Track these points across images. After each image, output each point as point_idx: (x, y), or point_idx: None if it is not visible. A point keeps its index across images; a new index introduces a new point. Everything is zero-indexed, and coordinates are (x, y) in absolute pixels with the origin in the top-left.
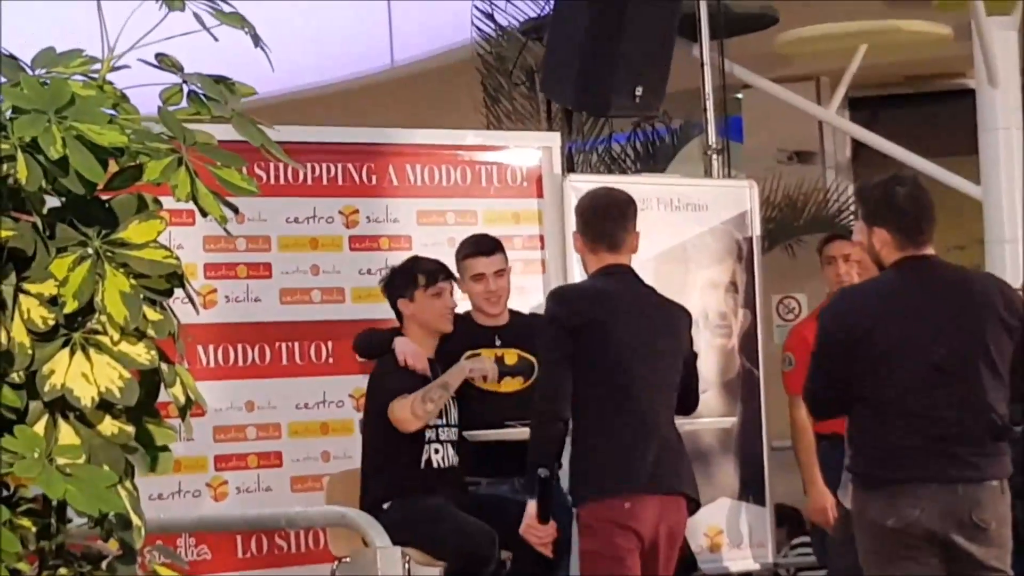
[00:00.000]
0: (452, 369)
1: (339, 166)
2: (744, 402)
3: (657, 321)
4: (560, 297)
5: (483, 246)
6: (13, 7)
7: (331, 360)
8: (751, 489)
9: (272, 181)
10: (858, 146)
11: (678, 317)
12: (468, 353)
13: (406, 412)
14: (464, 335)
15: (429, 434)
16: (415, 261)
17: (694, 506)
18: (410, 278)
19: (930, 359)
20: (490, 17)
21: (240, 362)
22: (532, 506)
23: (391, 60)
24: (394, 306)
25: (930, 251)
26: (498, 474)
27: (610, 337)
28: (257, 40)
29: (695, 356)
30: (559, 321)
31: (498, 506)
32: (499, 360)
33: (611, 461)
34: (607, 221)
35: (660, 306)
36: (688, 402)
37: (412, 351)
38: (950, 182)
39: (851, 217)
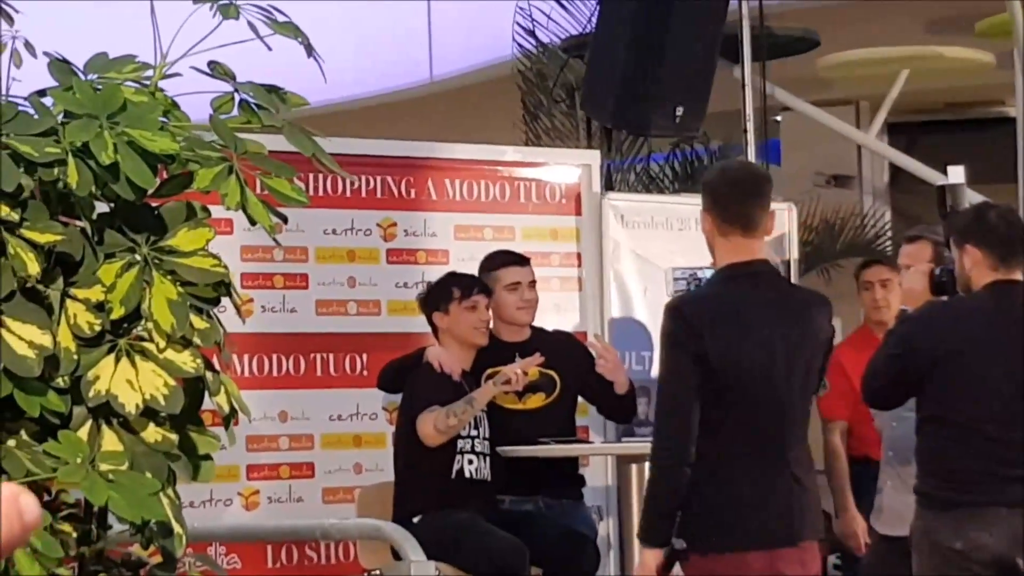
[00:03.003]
0: (479, 389)
1: (378, 179)
2: None
3: (792, 330)
4: (679, 314)
5: (517, 256)
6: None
7: (365, 372)
8: None
9: (311, 192)
10: (896, 171)
11: (816, 313)
12: (488, 372)
13: (429, 427)
14: (485, 351)
15: (462, 444)
16: (451, 276)
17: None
18: (446, 292)
19: (1015, 386)
20: (531, 33)
21: (275, 372)
22: (650, 560)
23: (431, 74)
24: (430, 320)
25: (1020, 276)
26: (523, 492)
27: (740, 362)
28: (311, 50)
29: (831, 348)
30: (680, 345)
31: (529, 521)
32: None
33: (743, 507)
34: (744, 198)
35: (795, 309)
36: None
37: (443, 355)
38: None
39: (888, 243)
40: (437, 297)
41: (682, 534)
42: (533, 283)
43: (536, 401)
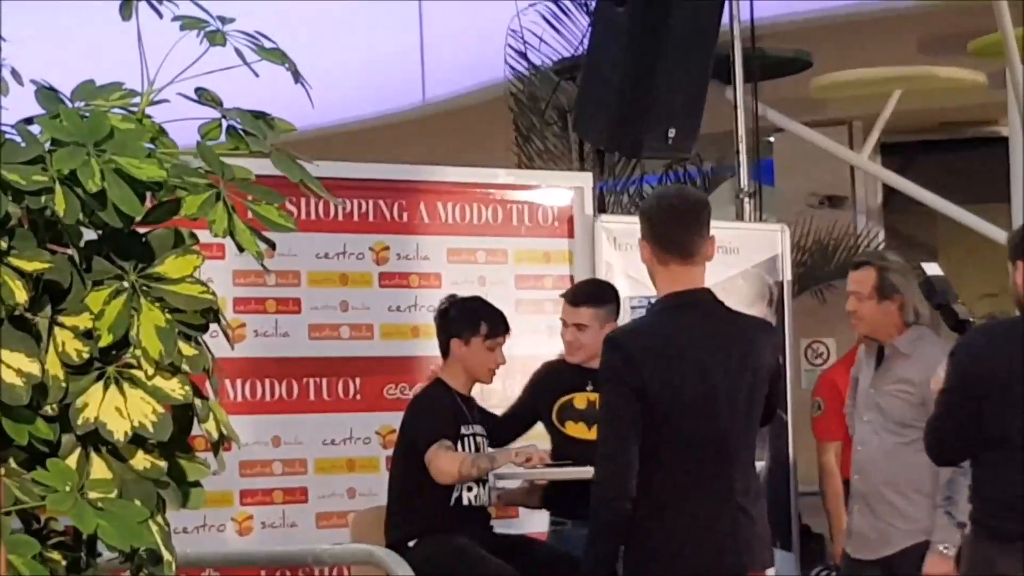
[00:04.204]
0: (504, 451)
1: (370, 202)
2: (772, 446)
3: (733, 359)
4: (617, 346)
5: (570, 295)
6: (52, 38)
7: (359, 396)
8: (778, 534)
9: (303, 216)
10: (889, 192)
11: (759, 341)
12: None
13: (454, 468)
14: (557, 376)
15: None
16: (482, 305)
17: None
18: (473, 322)
19: None
20: (524, 56)
21: (267, 397)
22: None
23: (423, 97)
24: (445, 340)
25: None
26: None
27: (679, 394)
28: (297, 76)
29: (778, 375)
30: (619, 379)
31: (523, 548)
32: (592, 404)
33: (686, 541)
34: (679, 226)
35: (736, 337)
36: (764, 417)
37: (534, 454)
38: (982, 229)
39: None
40: (462, 324)
41: (627, 569)
42: (581, 326)
43: None
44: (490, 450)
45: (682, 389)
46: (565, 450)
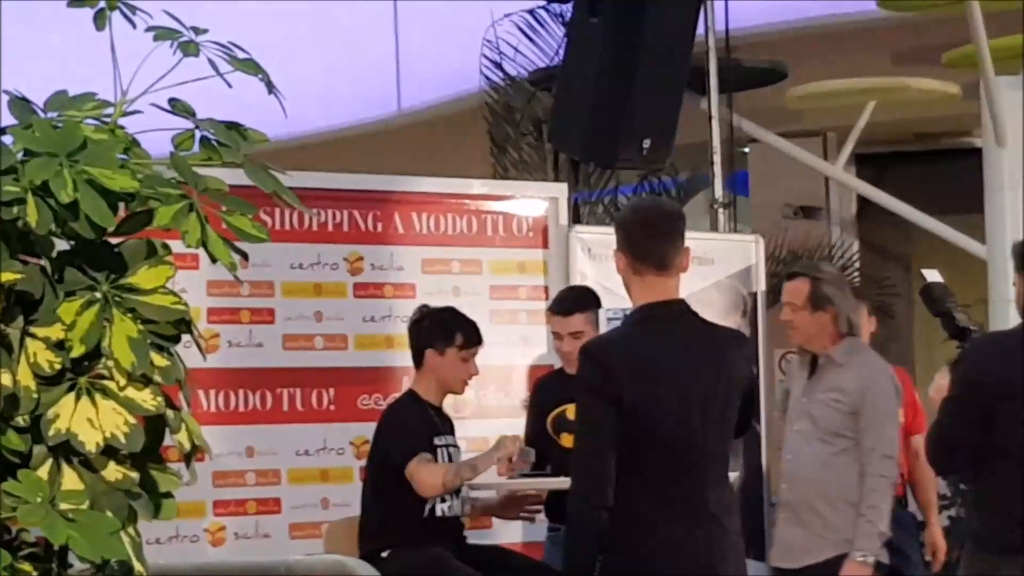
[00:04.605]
0: (483, 455)
1: (344, 213)
2: (745, 457)
3: (707, 370)
4: (593, 357)
5: (559, 306)
6: (25, 49)
7: (332, 407)
8: (751, 545)
9: (277, 227)
10: (864, 203)
11: (734, 352)
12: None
13: (437, 480)
14: (549, 388)
15: None
16: (456, 315)
17: None
18: (448, 332)
19: None
20: (499, 66)
21: (241, 407)
22: None
23: (398, 107)
24: (419, 350)
25: None
26: None
27: (655, 405)
28: (271, 87)
29: (753, 386)
30: (596, 390)
31: (497, 558)
32: None
33: (661, 552)
34: (654, 237)
35: (711, 349)
36: (738, 427)
37: (514, 449)
38: (955, 240)
39: (856, 274)
40: (437, 335)
41: None
42: (575, 333)
43: None
44: (468, 457)
45: (658, 400)
46: (561, 461)
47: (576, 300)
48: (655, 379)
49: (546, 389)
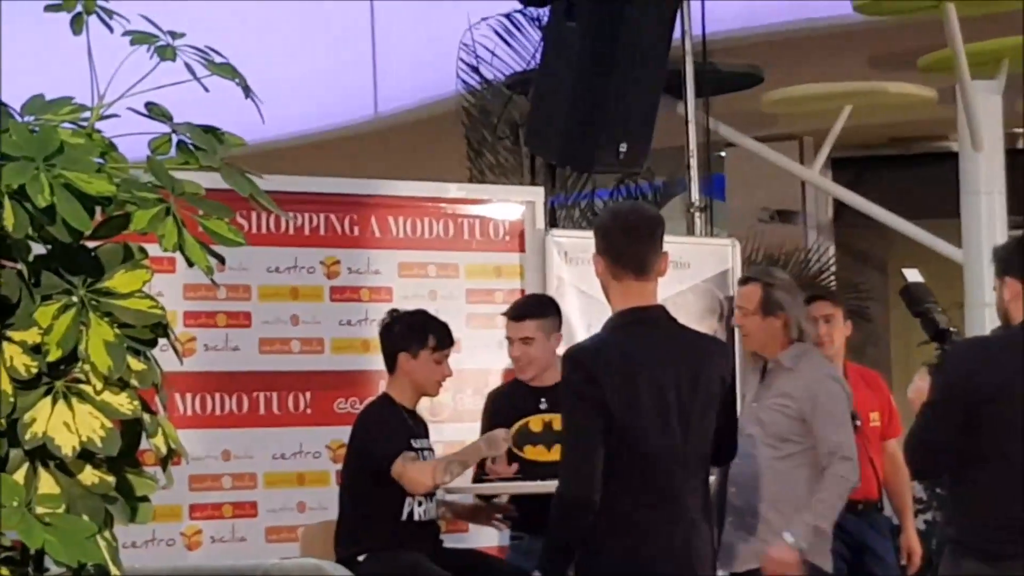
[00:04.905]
0: (470, 449)
1: (321, 216)
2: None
3: (687, 375)
4: (576, 362)
5: (512, 310)
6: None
7: (309, 411)
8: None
9: (254, 230)
10: (840, 207)
11: (713, 358)
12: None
13: (426, 477)
14: (508, 400)
15: None
16: (428, 318)
17: None
18: (421, 335)
19: None
20: (475, 70)
21: (217, 411)
22: None
23: (375, 111)
24: (392, 354)
25: None
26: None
27: (636, 409)
28: (248, 91)
29: (732, 396)
30: (580, 394)
31: (473, 562)
32: (548, 426)
33: (643, 555)
34: (634, 241)
35: (690, 354)
36: (725, 451)
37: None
38: (932, 245)
39: (832, 278)
40: (409, 338)
41: None
42: (527, 339)
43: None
44: (458, 451)
45: (639, 405)
46: (528, 474)
47: (528, 306)
48: (636, 385)
49: (502, 400)
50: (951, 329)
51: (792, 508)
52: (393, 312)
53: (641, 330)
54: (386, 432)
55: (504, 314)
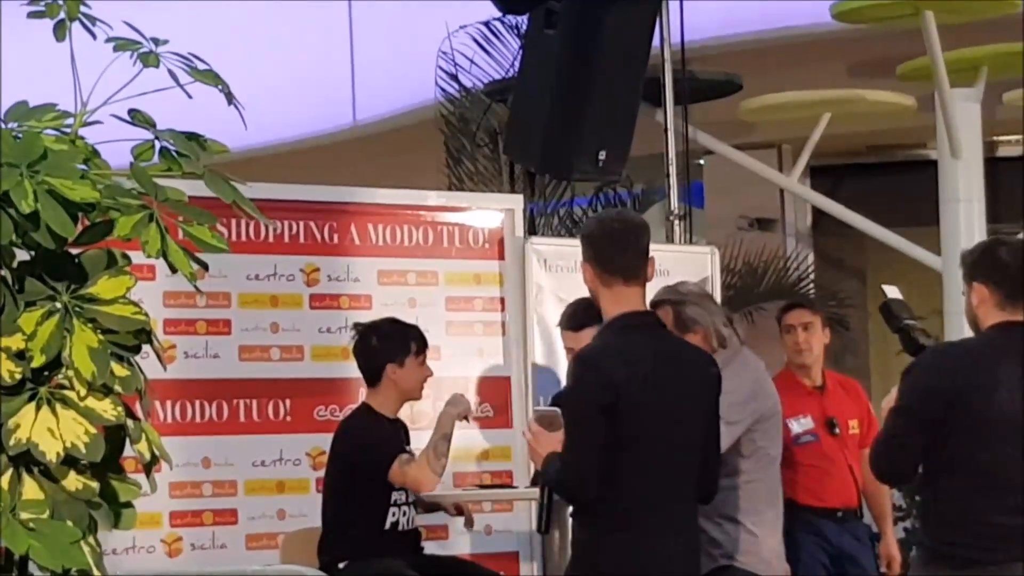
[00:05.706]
0: (442, 419)
1: (300, 224)
2: None
3: (690, 381)
4: (593, 366)
5: (569, 321)
6: None
7: (289, 418)
8: None
9: (234, 238)
10: (819, 214)
11: (708, 367)
12: (448, 400)
13: (426, 472)
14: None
15: (396, 496)
16: (401, 325)
17: None
18: (403, 343)
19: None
20: (454, 78)
21: (197, 418)
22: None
23: (354, 118)
24: (376, 368)
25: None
26: None
27: (644, 413)
28: (231, 98)
29: (716, 425)
30: (590, 397)
31: (455, 569)
32: None
33: (637, 557)
34: (621, 248)
35: (690, 362)
36: (706, 488)
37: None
38: (911, 252)
39: (811, 286)
40: (394, 349)
41: None
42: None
43: None
44: (434, 429)
45: (646, 409)
46: None
47: (588, 315)
48: (644, 388)
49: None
50: (929, 344)
51: (725, 519)
52: (358, 326)
53: (638, 334)
54: (376, 441)
55: (559, 325)
